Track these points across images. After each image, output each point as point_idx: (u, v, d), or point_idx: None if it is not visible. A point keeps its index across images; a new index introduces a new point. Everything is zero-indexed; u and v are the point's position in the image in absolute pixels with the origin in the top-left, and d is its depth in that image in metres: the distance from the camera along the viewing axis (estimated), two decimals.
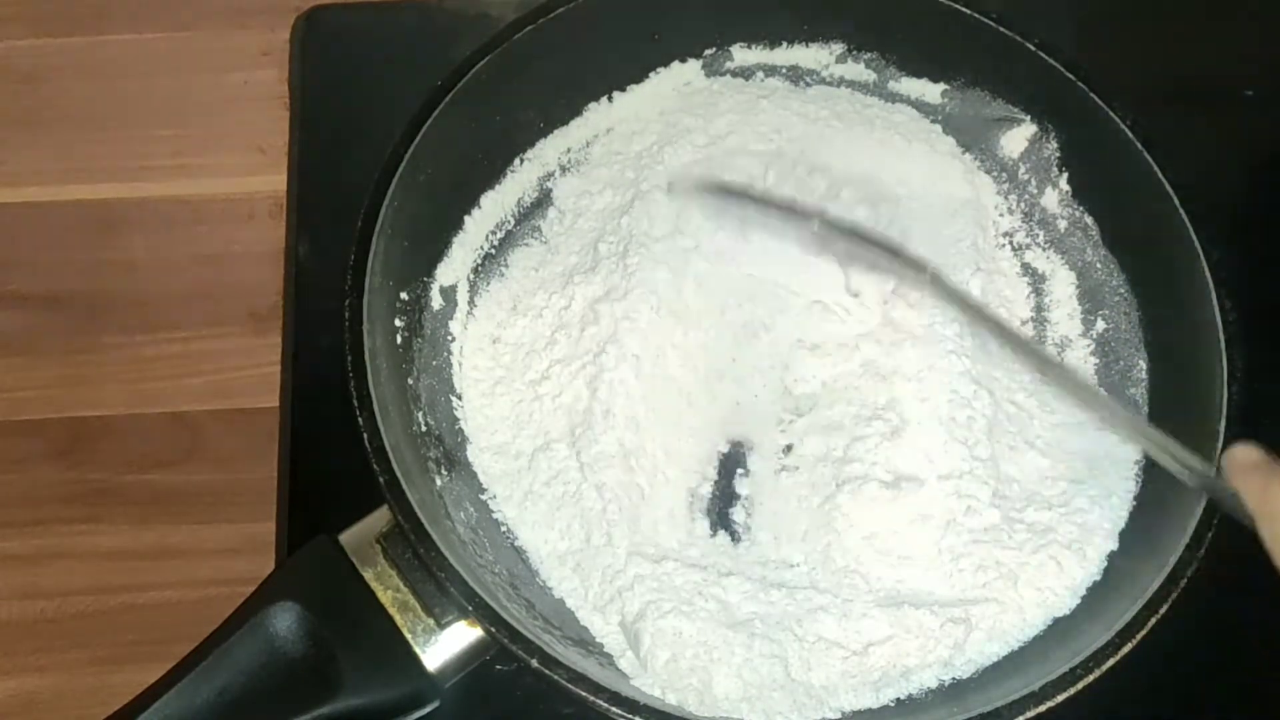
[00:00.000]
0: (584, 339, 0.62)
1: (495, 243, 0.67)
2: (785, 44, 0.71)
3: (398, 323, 0.61)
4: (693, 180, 0.62)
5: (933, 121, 0.70)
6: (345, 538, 0.56)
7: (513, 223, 0.68)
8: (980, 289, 0.64)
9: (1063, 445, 0.61)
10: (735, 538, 0.60)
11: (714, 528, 0.60)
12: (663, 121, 0.69)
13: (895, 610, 0.56)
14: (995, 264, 0.67)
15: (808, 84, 0.71)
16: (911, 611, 0.56)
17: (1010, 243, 0.68)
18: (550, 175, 0.69)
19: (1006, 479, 0.60)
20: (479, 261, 0.66)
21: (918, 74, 0.70)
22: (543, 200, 0.68)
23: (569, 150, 0.69)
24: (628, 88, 0.70)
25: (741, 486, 0.61)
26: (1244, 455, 0.50)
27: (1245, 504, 0.48)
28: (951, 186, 0.68)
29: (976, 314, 0.57)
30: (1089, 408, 0.57)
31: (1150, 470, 0.60)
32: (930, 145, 0.69)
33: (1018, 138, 0.69)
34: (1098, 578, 0.58)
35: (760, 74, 0.71)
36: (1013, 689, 0.53)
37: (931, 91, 0.70)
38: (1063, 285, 0.67)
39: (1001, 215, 0.69)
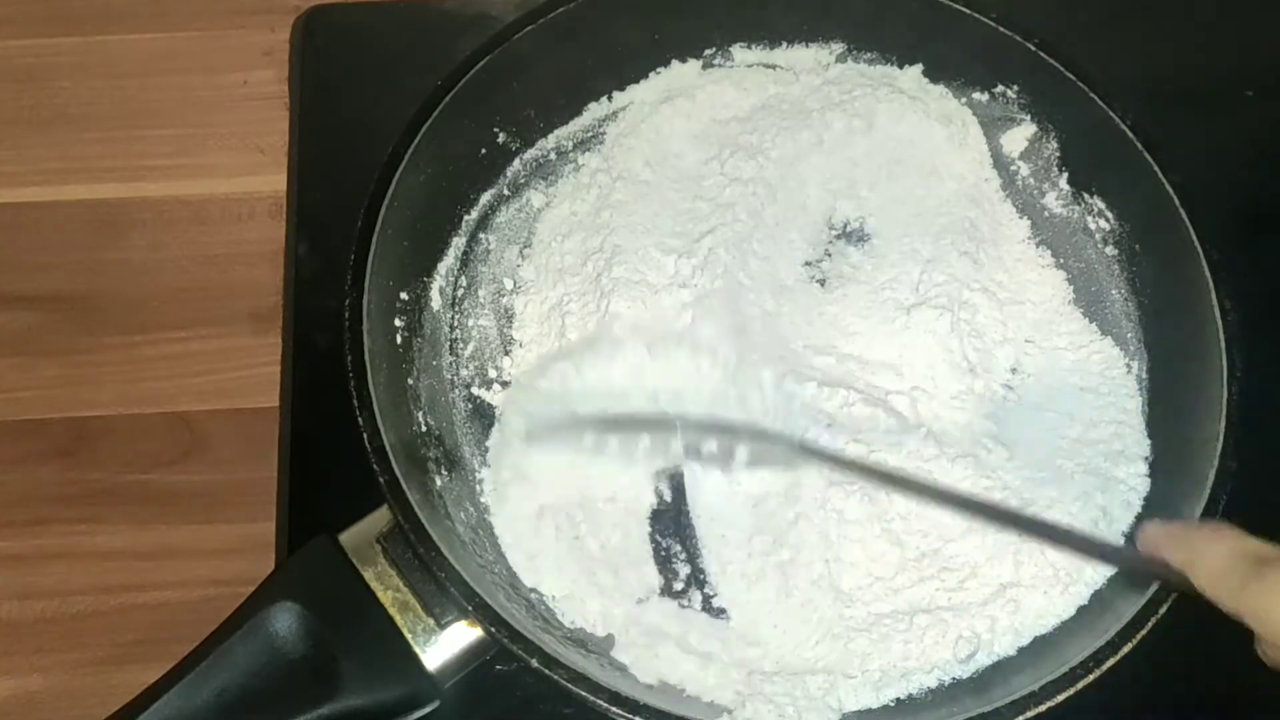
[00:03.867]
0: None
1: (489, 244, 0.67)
2: (785, 44, 0.71)
3: (398, 323, 0.61)
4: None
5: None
6: (345, 538, 0.56)
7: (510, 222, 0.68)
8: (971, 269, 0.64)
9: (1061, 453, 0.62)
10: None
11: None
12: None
13: (891, 619, 0.57)
14: (997, 248, 0.67)
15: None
16: (911, 616, 0.57)
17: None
18: (549, 175, 0.69)
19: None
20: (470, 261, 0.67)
21: (919, 74, 0.70)
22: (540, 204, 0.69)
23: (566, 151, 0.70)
24: (628, 87, 0.70)
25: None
26: (1154, 529, 0.51)
27: (1175, 568, 0.48)
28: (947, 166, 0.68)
29: (856, 468, 0.56)
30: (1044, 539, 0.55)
31: (1151, 473, 0.60)
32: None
33: (1018, 138, 0.69)
34: (1098, 579, 0.57)
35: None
36: (1012, 689, 0.53)
37: (931, 91, 0.70)
38: (1062, 284, 0.67)
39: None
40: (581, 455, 0.58)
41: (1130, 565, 0.53)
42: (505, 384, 0.64)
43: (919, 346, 0.62)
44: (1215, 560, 0.47)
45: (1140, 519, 0.59)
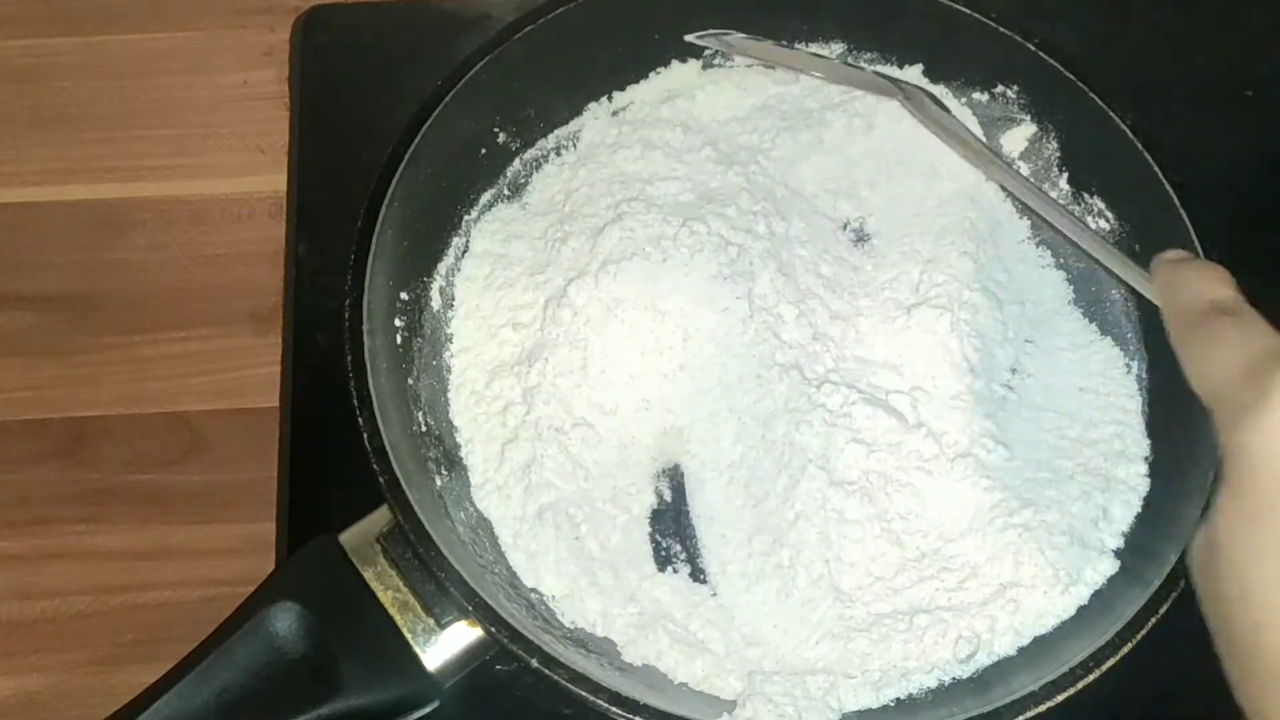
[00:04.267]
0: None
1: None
2: (785, 44, 0.71)
3: (398, 323, 0.61)
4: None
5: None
6: (345, 538, 0.56)
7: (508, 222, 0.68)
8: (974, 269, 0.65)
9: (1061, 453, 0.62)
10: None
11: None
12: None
13: (891, 619, 0.57)
14: (997, 248, 0.67)
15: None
16: (911, 616, 0.57)
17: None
18: (550, 175, 0.69)
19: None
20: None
21: (918, 74, 0.70)
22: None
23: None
24: (628, 87, 0.70)
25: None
26: (1169, 254, 0.52)
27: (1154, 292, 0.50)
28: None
29: (955, 138, 0.59)
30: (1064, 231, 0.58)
31: (1151, 473, 0.60)
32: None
33: (1018, 138, 0.69)
34: (1098, 579, 0.57)
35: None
36: (1012, 689, 0.53)
37: (931, 91, 0.70)
38: (1062, 284, 0.67)
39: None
40: None
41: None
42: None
43: (919, 346, 0.62)
44: (1191, 298, 0.47)
45: (1140, 519, 0.59)
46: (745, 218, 0.64)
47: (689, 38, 0.68)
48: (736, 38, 0.66)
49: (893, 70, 0.70)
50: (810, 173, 0.68)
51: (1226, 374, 0.44)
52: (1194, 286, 0.48)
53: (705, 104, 0.70)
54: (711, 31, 0.67)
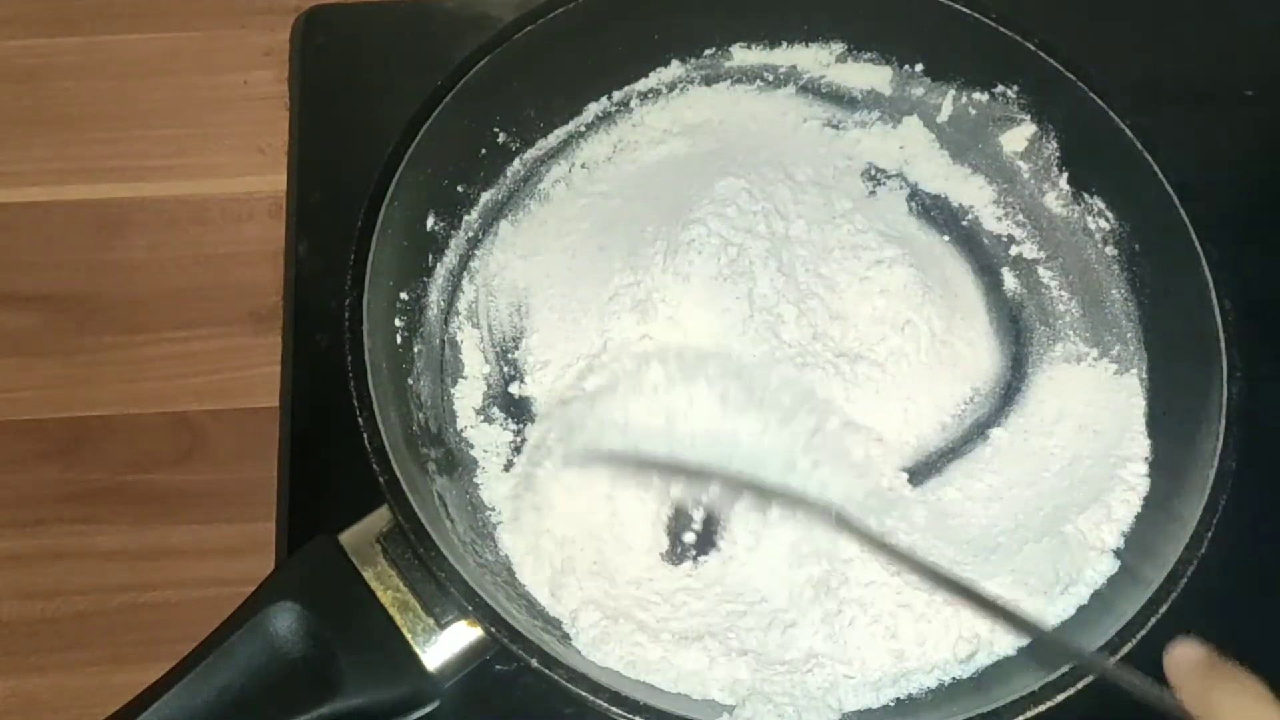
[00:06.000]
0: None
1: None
2: (785, 44, 0.71)
3: (398, 323, 0.61)
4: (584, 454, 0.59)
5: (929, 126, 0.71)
6: (345, 538, 0.56)
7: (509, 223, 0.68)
8: None
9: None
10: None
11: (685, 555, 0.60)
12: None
13: (892, 618, 0.57)
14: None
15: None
16: (910, 618, 0.57)
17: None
18: (550, 175, 0.69)
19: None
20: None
21: (918, 74, 0.70)
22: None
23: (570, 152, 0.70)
24: (627, 88, 0.70)
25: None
26: (1184, 654, 0.46)
27: (1185, 707, 0.44)
28: None
29: (883, 549, 0.54)
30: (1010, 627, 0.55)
31: (1151, 473, 0.60)
32: None
33: (1018, 138, 0.69)
34: (1098, 579, 0.57)
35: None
36: (1012, 689, 0.53)
37: (932, 91, 0.70)
38: (1061, 284, 0.67)
39: (1000, 218, 0.69)
40: (606, 487, 0.58)
41: (1127, 686, 0.47)
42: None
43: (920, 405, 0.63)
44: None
45: (1140, 519, 0.59)
46: (745, 218, 0.64)
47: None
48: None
49: (892, 71, 0.70)
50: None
51: None
52: (1240, 714, 0.43)
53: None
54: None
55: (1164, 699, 0.45)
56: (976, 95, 0.70)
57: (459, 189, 0.66)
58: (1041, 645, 0.54)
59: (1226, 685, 0.44)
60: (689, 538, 0.60)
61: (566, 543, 0.58)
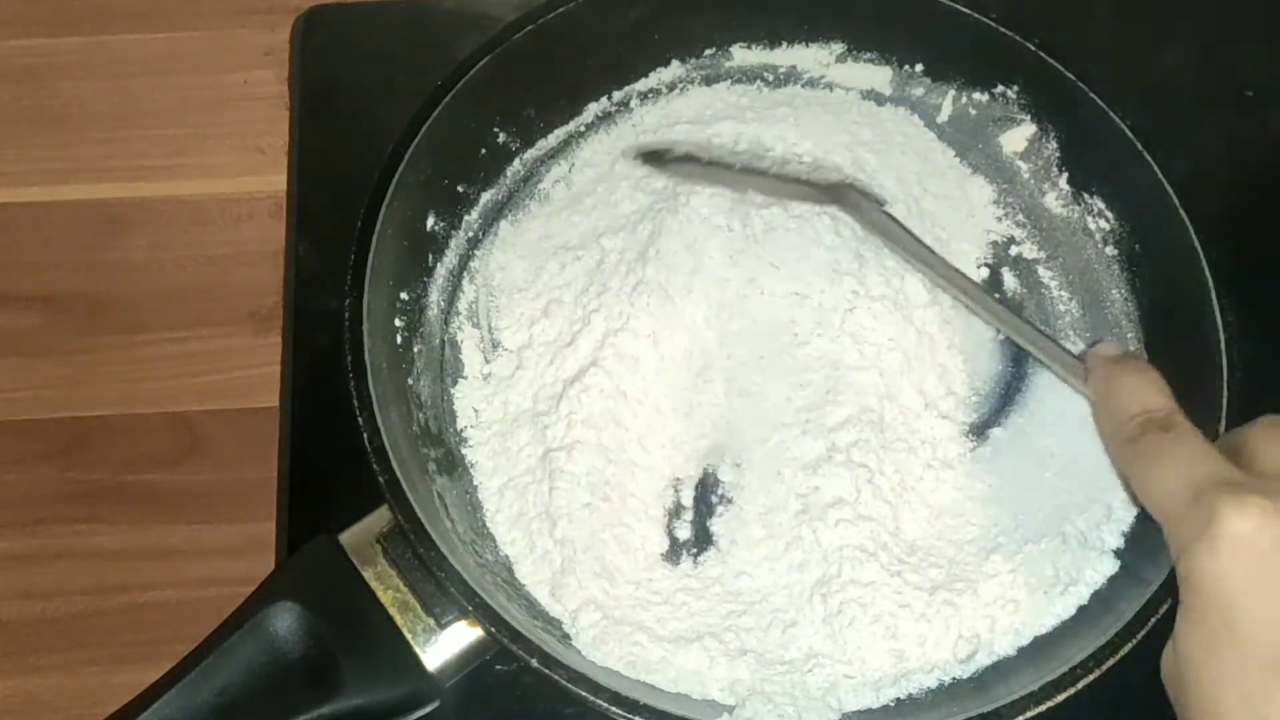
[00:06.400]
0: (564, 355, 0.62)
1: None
2: (785, 44, 0.71)
3: (398, 323, 0.61)
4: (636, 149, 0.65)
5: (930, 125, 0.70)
6: (345, 538, 0.56)
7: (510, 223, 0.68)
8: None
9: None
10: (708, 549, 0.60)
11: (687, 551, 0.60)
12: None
13: (892, 618, 0.57)
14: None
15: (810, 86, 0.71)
16: (910, 617, 0.57)
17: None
18: (550, 175, 0.69)
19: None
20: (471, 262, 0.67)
21: (918, 74, 0.70)
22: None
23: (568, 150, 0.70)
24: (627, 88, 0.70)
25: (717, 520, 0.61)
26: (1102, 348, 0.53)
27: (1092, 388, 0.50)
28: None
29: (922, 254, 0.58)
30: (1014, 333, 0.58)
31: None
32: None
33: (1018, 138, 0.69)
34: (1098, 579, 0.57)
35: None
36: (1012, 689, 0.53)
37: (932, 91, 0.70)
38: (1061, 284, 0.67)
39: (1000, 218, 0.69)
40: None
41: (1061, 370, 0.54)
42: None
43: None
44: (1124, 405, 0.48)
45: (1140, 518, 0.59)
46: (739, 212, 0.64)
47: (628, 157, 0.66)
48: (673, 157, 0.63)
49: (892, 71, 0.70)
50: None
51: (1169, 496, 0.45)
52: (1130, 395, 0.49)
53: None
54: (653, 146, 0.65)
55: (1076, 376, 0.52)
56: (976, 95, 0.70)
57: (459, 189, 0.66)
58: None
59: (1128, 369, 0.50)
60: (684, 532, 0.60)
61: (566, 543, 0.58)
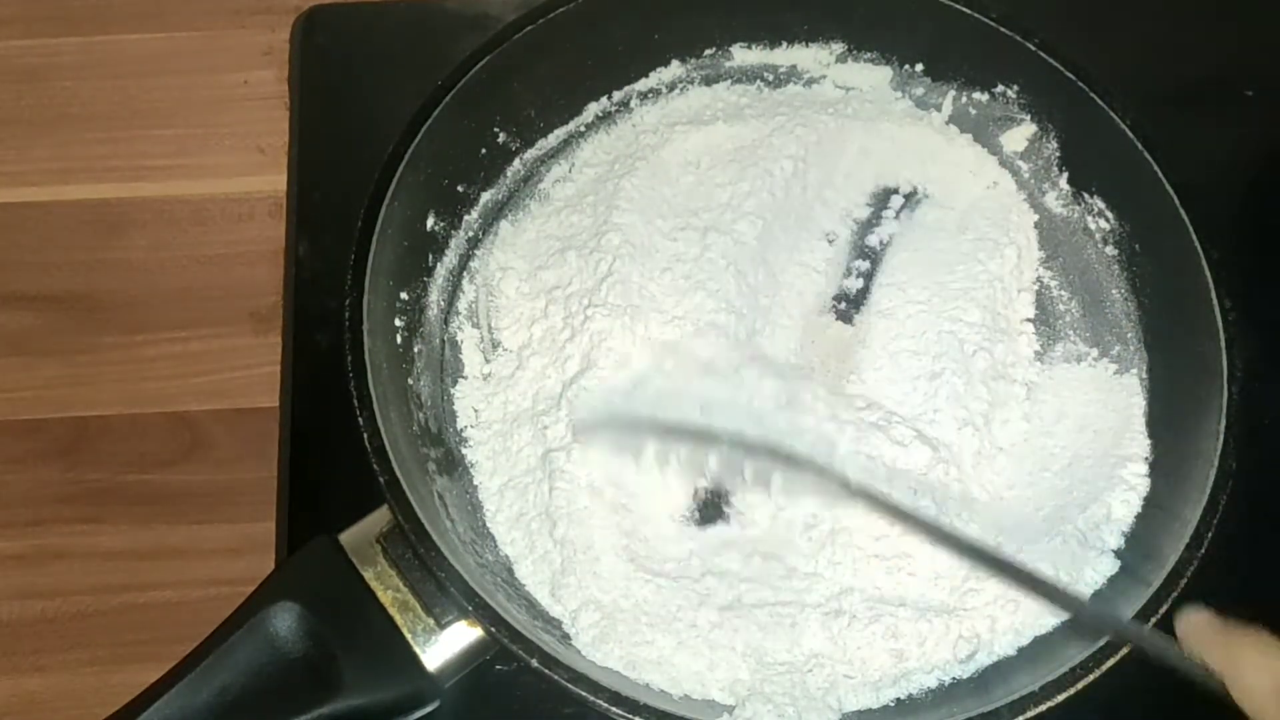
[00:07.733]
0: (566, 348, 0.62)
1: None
2: (785, 44, 0.71)
3: (398, 323, 0.61)
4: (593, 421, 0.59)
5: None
6: (345, 538, 0.56)
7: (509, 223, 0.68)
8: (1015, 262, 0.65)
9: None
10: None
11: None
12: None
13: (892, 618, 0.57)
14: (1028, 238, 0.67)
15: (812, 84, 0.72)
16: (910, 617, 0.57)
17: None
18: (550, 175, 0.69)
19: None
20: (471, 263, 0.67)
21: (918, 74, 0.70)
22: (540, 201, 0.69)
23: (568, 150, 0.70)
24: (627, 88, 0.70)
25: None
26: (1199, 619, 0.49)
27: (1212, 669, 0.47)
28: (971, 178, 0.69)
29: (905, 518, 0.53)
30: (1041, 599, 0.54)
31: (1151, 473, 0.60)
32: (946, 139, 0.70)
33: (1018, 138, 0.69)
34: (1099, 580, 0.57)
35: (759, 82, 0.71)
36: (1012, 689, 0.53)
37: (932, 91, 0.70)
38: (1061, 284, 0.67)
39: None
40: (618, 457, 0.57)
41: (1161, 654, 0.49)
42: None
43: (942, 409, 0.62)
44: (1261, 677, 0.45)
45: (1140, 518, 0.59)
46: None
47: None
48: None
49: (892, 71, 0.70)
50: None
51: None
52: (1262, 664, 0.46)
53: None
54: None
55: (1192, 663, 0.48)
56: (976, 95, 0.70)
57: (459, 189, 0.66)
58: (1076, 617, 0.54)
59: (1243, 641, 0.47)
60: (684, 532, 0.60)
61: (566, 543, 0.58)
